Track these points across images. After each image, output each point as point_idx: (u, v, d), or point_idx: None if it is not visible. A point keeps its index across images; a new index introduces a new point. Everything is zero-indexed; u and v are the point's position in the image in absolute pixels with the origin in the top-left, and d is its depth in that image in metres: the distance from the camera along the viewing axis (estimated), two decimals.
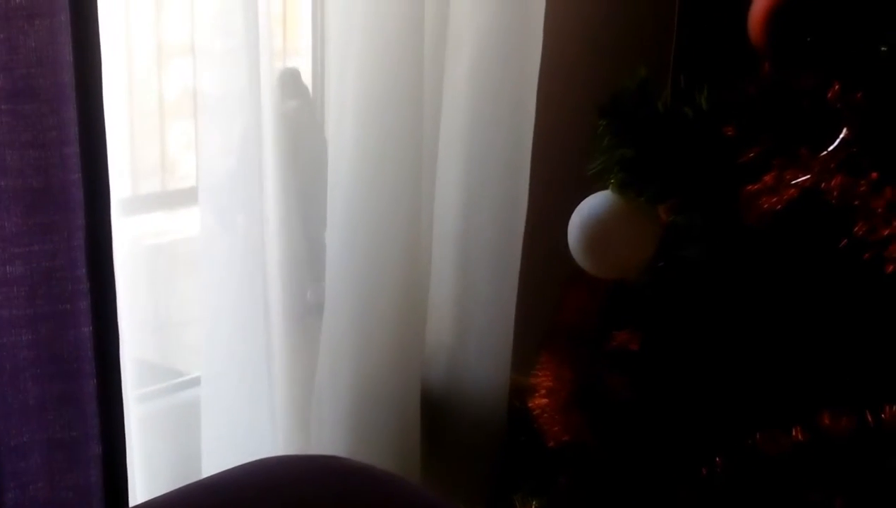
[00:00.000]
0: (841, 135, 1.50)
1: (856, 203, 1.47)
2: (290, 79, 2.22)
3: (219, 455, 2.03)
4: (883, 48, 1.53)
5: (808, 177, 1.51)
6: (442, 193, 2.26)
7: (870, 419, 1.53)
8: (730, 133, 1.57)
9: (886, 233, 1.47)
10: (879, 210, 1.47)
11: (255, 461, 1.78)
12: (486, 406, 2.35)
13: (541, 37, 2.22)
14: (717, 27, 1.90)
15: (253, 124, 1.96)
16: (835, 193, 1.49)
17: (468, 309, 2.33)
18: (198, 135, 1.94)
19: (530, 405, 1.78)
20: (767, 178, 1.53)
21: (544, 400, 1.76)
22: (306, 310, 2.20)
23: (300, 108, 2.22)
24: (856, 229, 1.49)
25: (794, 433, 1.53)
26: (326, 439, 2.18)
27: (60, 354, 1.65)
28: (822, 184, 1.50)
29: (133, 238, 2.05)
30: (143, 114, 2.06)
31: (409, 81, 2.08)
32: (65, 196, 1.58)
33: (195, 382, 2.11)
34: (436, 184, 2.24)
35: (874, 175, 1.48)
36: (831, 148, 1.51)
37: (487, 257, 2.30)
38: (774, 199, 1.52)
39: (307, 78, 2.27)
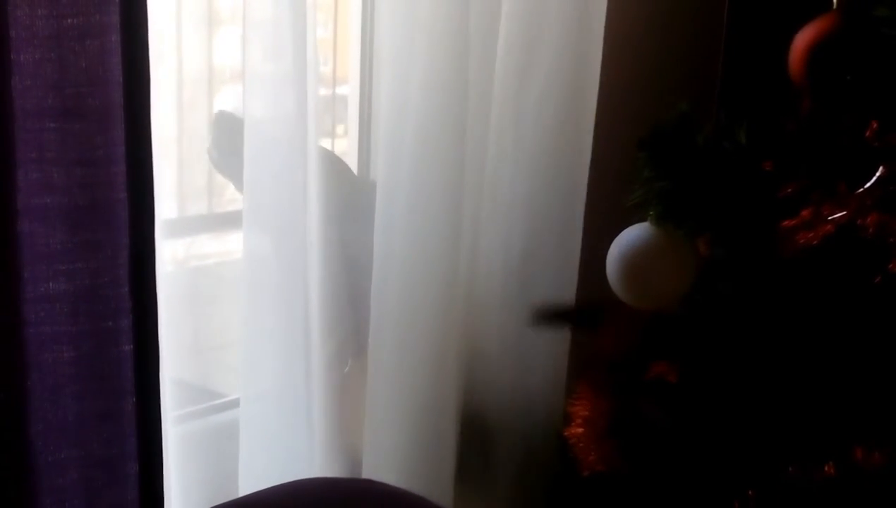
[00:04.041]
0: (878, 173, 1.50)
1: (891, 240, 1.47)
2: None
3: (256, 476, 2.04)
4: None
5: (845, 213, 1.51)
6: (496, 241, 2.27)
7: None
8: (768, 168, 1.57)
9: None
10: None
11: (292, 482, 1.79)
12: (535, 449, 2.35)
13: (597, 82, 2.24)
14: (761, 64, 1.90)
15: (299, 149, 1.97)
16: (871, 230, 1.49)
17: (525, 352, 2.33)
18: (245, 159, 1.96)
19: (566, 433, 1.78)
20: (804, 214, 1.53)
21: (580, 429, 1.75)
22: (346, 335, 2.21)
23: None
24: (891, 265, 1.48)
25: (826, 467, 1.53)
26: (367, 463, 2.19)
27: (101, 372, 1.66)
28: (859, 221, 1.50)
29: (177, 259, 2.07)
30: (192, 137, 2.08)
31: (457, 115, 2.11)
32: (110, 214, 1.60)
33: (234, 404, 2.12)
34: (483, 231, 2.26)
35: None
36: (868, 185, 1.50)
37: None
38: (811, 234, 1.52)
39: (354, 103, 2.29)
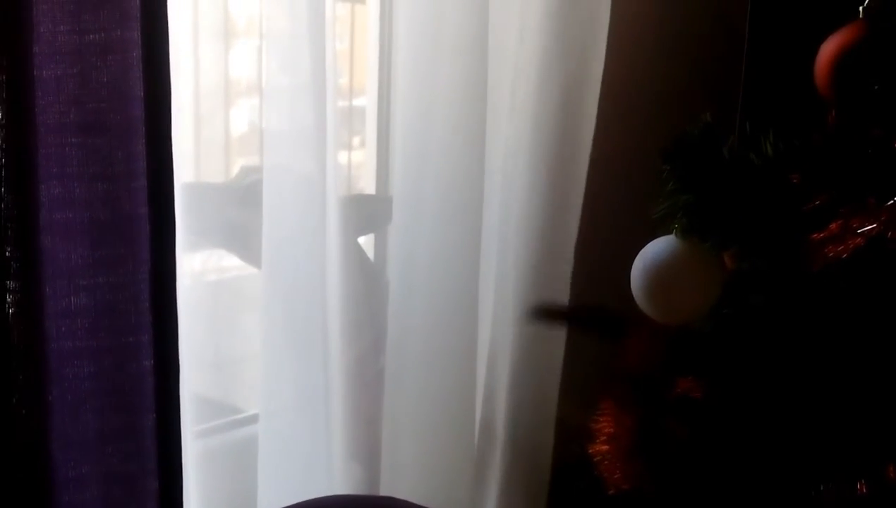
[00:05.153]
0: None
1: None
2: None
3: (275, 492, 2.03)
4: None
5: (875, 226, 1.49)
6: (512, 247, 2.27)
7: None
8: (795, 180, 1.55)
9: None
10: None
11: (313, 499, 1.78)
12: (531, 453, 2.35)
13: (597, 97, 2.24)
14: (785, 74, 1.89)
15: (318, 161, 1.97)
16: None
17: (522, 362, 2.33)
18: (263, 172, 1.95)
19: (590, 451, 1.76)
20: (833, 226, 1.51)
21: (605, 447, 1.73)
22: (365, 350, 2.20)
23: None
24: None
25: (858, 485, 1.51)
26: (385, 479, 2.18)
27: (121, 387, 1.66)
28: (889, 233, 1.48)
29: (196, 273, 2.06)
30: (209, 150, 2.07)
31: (473, 132, 2.11)
32: (131, 229, 1.59)
33: (253, 419, 2.11)
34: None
35: None
36: None
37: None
38: (840, 248, 1.50)
39: (372, 114, 2.29)
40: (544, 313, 2.24)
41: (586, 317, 2.16)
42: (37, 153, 1.50)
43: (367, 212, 2.28)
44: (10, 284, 1.52)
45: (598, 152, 2.28)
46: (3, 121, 1.46)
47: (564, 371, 2.35)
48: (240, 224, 2.06)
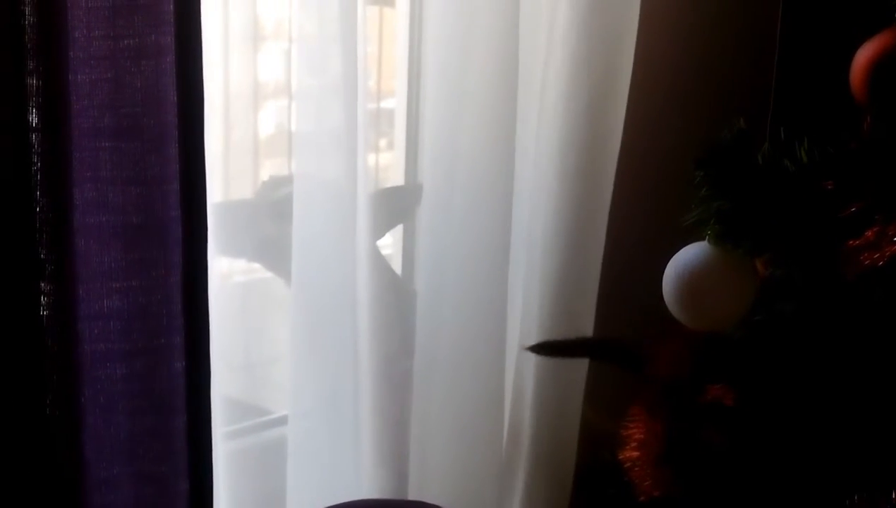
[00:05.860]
0: None
1: None
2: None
3: (304, 494, 2.03)
4: None
5: None
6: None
7: None
8: (830, 187, 1.54)
9: None
10: None
11: (343, 503, 1.78)
12: (556, 459, 2.35)
13: (625, 100, 2.24)
14: (818, 80, 1.88)
15: (347, 165, 1.97)
16: None
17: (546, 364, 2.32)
18: (293, 175, 1.95)
19: (621, 457, 1.76)
20: (869, 234, 1.50)
21: (635, 453, 1.73)
22: (393, 351, 2.20)
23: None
24: None
25: (894, 494, 1.50)
26: (413, 482, 2.18)
27: (153, 389, 1.66)
28: None
29: (224, 274, 2.06)
30: (239, 153, 2.07)
31: (503, 133, 2.11)
32: (164, 232, 1.60)
33: (282, 421, 2.11)
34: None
35: None
36: None
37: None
38: (876, 255, 1.50)
39: (401, 116, 2.28)
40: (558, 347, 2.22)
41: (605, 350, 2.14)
42: (71, 157, 1.51)
43: (397, 204, 2.28)
44: (44, 286, 1.53)
45: (626, 156, 2.27)
46: (39, 126, 1.47)
47: (589, 374, 2.35)
48: (272, 238, 2.06)
